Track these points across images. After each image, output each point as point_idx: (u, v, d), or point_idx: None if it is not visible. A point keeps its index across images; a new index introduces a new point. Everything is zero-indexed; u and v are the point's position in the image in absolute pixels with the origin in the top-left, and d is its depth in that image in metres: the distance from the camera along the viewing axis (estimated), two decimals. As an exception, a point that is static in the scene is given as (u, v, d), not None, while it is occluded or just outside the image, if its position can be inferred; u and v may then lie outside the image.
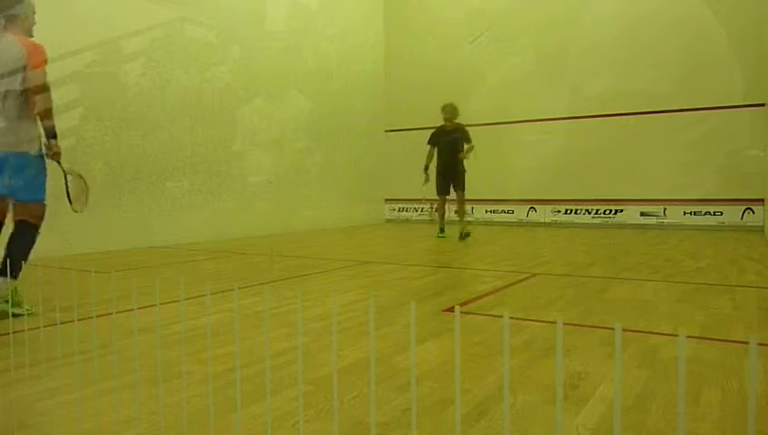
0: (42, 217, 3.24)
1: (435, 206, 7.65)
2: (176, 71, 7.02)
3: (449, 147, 7.21)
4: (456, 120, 7.35)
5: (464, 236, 6.91)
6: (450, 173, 7.22)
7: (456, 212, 7.39)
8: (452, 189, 7.27)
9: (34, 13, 3.31)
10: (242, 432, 1.55)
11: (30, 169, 3.17)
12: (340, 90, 9.67)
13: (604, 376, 1.96)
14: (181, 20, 7.08)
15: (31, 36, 3.25)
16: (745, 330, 2.59)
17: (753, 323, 2.73)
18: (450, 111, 7.33)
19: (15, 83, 3.08)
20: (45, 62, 3.15)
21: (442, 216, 7.45)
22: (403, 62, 10.45)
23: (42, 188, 3.24)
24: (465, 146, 7.21)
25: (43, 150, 3.25)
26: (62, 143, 6.01)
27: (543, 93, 9.13)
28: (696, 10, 7.99)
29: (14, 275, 3.01)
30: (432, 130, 7.41)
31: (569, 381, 1.92)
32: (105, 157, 6.29)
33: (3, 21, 3.17)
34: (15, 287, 3.07)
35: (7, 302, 2.80)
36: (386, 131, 10.56)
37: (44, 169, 3.26)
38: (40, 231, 3.26)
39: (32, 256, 3.22)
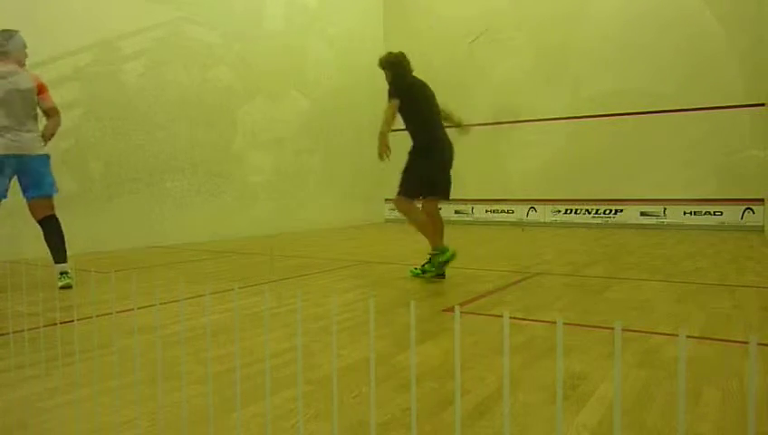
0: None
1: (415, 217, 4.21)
2: (176, 71, 7.02)
3: (437, 110, 4.31)
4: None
5: (435, 265, 4.06)
6: (448, 160, 4.25)
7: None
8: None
9: (25, 47, 4.00)
10: (242, 432, 1.55)
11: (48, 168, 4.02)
12: (340, 89, 9.67)
13: (604, 376, 1.96)
14: (181, 20, 7.08)
15: (23, 66, 3.98)
16: (745, 330, 2.59)
17: (753, 323, 2.73)
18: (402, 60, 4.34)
19: (34, 105, 3.95)
20: (47, 89, 4.02)
21: (435, 232, 4.15)
22: (403, 62, 10.43)
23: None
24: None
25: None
26: (62, 143, 6.05)
27: (543, 93, 9.13)
28: (696, 9, 7.99)
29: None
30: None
31: (569, 381, 1.92)
32: (105, 157, 6.29)
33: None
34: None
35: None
36: (386, 131, 10.55)
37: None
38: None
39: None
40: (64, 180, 5.90)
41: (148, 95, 6.71)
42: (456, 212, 9.92)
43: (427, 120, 4.28)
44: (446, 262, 4.11)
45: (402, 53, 4.42)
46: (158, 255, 5.84)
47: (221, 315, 3.04)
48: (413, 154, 4.27)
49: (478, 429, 1.56)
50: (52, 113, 4.02)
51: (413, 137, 4.29)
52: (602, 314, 2.97)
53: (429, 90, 4.37)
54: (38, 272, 3.60)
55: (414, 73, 4.37)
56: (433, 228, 4.18)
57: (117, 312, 3.07)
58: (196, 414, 1.68)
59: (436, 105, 4.37)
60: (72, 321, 2.73)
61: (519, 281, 4.02)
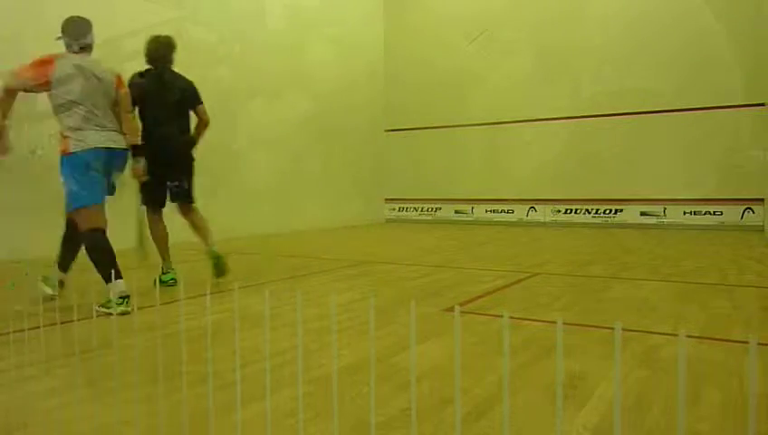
0: None
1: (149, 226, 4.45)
2: (176, 70, 7.01)
3: (171, 109, 4.08)
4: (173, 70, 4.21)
5: (219, 266, 4.13)
6: (174, 162, 4.09)
7: (196, 232, 4.40)
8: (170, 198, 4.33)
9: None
10: (242, 432, 1.55)
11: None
12: (341, 89, 9.67)
13: (604, 376, 1.96)
14: (181, 20, 7.08)
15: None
16: (745, 330, 2.59)
17: (753, 323, 2.73)
18: (165, 46, 4.14)
19: (114, 96, 3.73)
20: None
21: (163, 241, 4.39)
22: (403, 62, 10.44)
23: None
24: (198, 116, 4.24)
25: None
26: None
27: (543, 93, 9.13)
28: (696, 9, 7.99)
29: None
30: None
31: (569, 381, 1.92)
32: (105, 157, 6.28)
33: (76, 47, 3.75)
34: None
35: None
36: (386, 131, 10.56)
37: None
38: None
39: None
40: (64, 180, 5.90)
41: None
42: (456, 212, 9.92)
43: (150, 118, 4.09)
44: (165, 284, 4.05)
45: (152, 39, 4.23)
46: (158, 255, 5.82)
47: (221, 315, 3.04)
48: None
49: (478, 429, 1.56)
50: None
51: None
52: (602, 313, 2.97)
53: (161, 83, 4.16)
54: (38, 272, 3.60)
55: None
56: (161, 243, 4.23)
57: (117, 312, 3.06)
58: (196, 414, 1.68)
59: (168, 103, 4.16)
60: (72, 321, 2.73)
61: (519, 281, 4.02)
